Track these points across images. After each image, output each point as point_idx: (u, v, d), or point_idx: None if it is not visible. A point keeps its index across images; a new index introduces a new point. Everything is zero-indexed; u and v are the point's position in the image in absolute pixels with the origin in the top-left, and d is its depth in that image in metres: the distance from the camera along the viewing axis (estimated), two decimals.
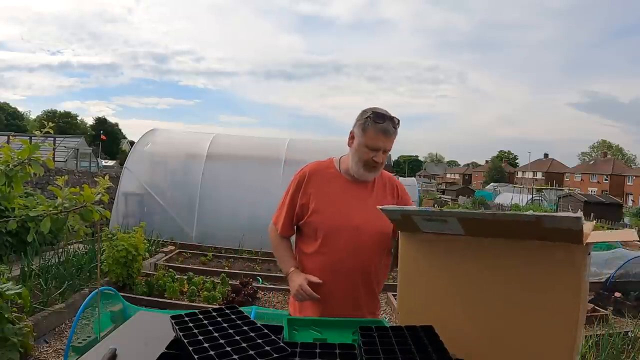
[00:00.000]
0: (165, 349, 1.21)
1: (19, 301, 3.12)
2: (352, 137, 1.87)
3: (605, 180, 56.69)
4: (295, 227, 2.02)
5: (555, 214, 1.06)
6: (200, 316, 1.39)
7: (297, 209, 1.94)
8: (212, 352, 1.14)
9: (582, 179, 61.09)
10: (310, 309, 1.87)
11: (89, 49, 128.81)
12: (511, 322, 1.17)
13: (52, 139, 20.91)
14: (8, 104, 57.55)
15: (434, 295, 1.36)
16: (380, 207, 1.46)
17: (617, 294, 6.06)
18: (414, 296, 1.43)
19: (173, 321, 1.33)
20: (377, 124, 1.74)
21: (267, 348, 1.17)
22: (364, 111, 1.82)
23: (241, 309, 1.44)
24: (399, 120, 1.80)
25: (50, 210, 2.36)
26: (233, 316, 1.39)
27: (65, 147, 23.48)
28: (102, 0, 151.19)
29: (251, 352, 1.15)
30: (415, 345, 1.31)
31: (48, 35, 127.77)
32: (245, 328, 1.31)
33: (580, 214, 1.02)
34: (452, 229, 1.28)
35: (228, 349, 1.16)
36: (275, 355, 1.15)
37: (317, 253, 1.87)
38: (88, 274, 5.06)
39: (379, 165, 1.82)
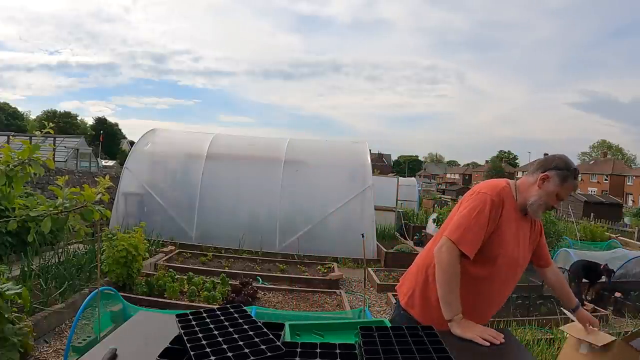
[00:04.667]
0: (170, 344, 1.23)
1: (19, 301, 3.12)
2: (545, 180, 1.93)
3: (605, 180, 56.65)
4: None
5: None
6: (204, 314, 1.41)
7: (488, 232, 1.88)
8: (208, 350, 1.16)
9: (582, 179, 60.99)
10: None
11: (87, 49, 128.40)
12: None
13: (52, 139, 20.91)
14: (8, 104, 57.47)
15: None
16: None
17: (617, 294, 6.06)
18: None
19: (177, 319, 1.35)
20: (574, 180, 1.94)
21: (263, 347, 1.18)
22: (566, 162, 1.94)
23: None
24: None
25: (51, 210, 2.36)
26: (236, 315, 1.41)
27: (65, 147, 23.48)
28: None
29: (246, 350, 1.16)
30: (415, 345, 1.31)
31: (46, 35, 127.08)
32: (246, 327, 1.32)
33: None
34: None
35: (224, 346, 1.18)
36: (269, 354, 1.16)
37: (485, 279, 1.90)
38: (88, 274, 5.06)
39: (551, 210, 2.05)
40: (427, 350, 1.27)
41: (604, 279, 6.10)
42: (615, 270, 6.18)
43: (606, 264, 6.14)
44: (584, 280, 6.27)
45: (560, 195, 1.93)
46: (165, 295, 5.15)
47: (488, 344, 1.62)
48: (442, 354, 1.26)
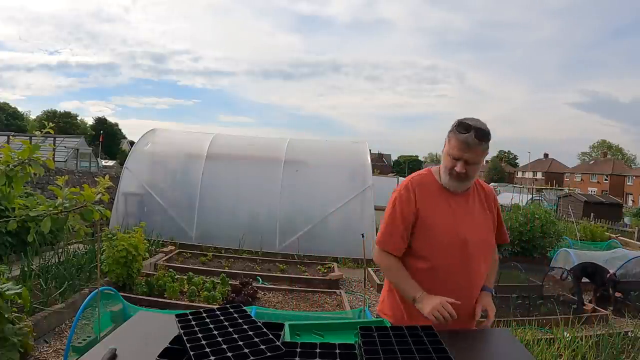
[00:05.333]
0: (169, 344, 1.23)
1: (19, 301, 3.12)
2: (444, 145, 1.91)
3: (605, 180, 56.67)
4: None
5: None
6: (204, 314, 1.41)
7: (408, 225, 1.88)
8: (208, 350, 1.16)
9: (582, 179, 61.05)
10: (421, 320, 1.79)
11: (87, 49, 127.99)
12: None
13: (52, 139, 20.94)
14: (8, 104, 57.47)
15: None
16: None
17: (617, 294, 6.06)
18: None
19: (177, 319, 1.36)
20: (459, 134, 1.78)
21: (262, 347, 1.18)
22: (456, 120, 1.87)
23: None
24: (488, 133, 1.79)
25: (51, 210, 2.36)
26: (236, 315, 1.41)
27: (65, 147, 23.50)
28: None
29: (246, 351, 1.16)
30: (415, 345, 1.31)
31: (46, 35, 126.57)
32: (246, 327, 1.32)
33: None
34: None
35: (224, 346, 1.18)
36: (269, 354, 1.16)
37: (430, 270, 1.85)
38: (88, 274, 5.06)
39: (462, 175, 1.82)
40: (426, 350, 1.27)
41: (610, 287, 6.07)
42: (620, 280, 6.16)
43: (614, 273, 6.13)
44: (587, 280, 6.28)
45: (451, 154, 1.81)
46: (165, 295, 5.15)
47: (437, 322, 1.65)
48: (442, 354, 1.26)
